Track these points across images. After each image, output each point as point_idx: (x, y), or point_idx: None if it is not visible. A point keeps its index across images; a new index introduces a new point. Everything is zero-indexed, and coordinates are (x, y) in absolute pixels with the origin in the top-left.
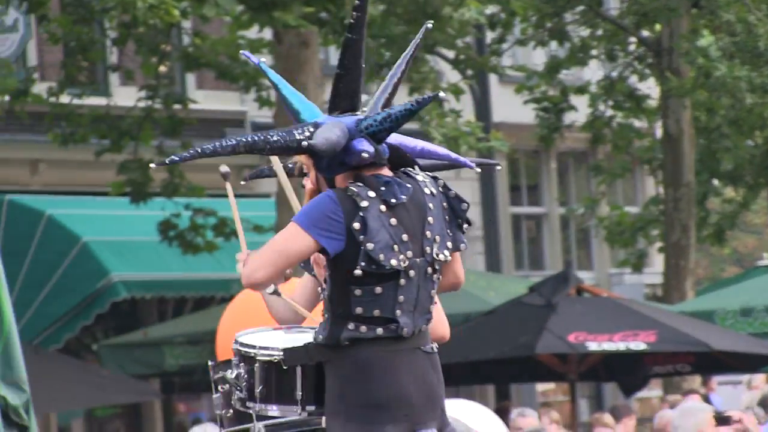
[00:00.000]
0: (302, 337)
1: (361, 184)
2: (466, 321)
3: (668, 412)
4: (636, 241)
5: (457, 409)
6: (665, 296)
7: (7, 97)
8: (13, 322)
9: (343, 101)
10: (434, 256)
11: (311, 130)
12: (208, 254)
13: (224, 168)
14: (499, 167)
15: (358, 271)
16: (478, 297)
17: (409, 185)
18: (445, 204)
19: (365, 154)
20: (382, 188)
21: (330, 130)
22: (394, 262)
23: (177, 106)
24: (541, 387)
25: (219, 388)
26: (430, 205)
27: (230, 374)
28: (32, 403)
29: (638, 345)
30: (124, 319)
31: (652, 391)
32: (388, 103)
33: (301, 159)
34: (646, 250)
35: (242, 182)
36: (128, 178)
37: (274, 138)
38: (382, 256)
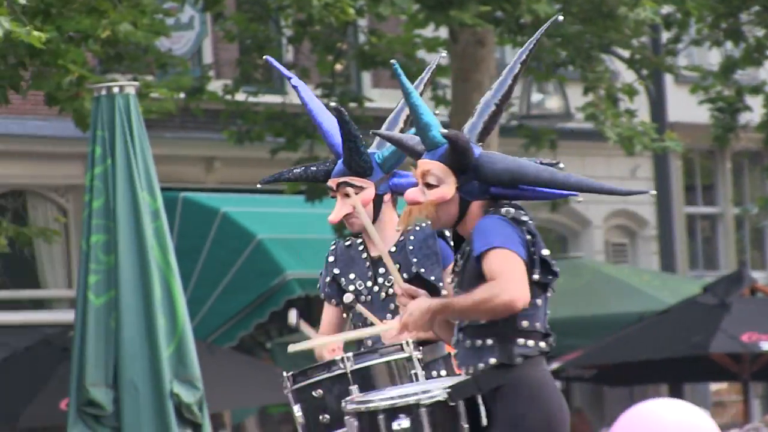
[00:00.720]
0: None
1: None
2: (640, 320)
3: None
4: None
5: (683, 411)
6: None
7: (182, 95)
8: (187, 321)
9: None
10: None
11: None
12: None
13: (292, 318)
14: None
15: (536, 276)
16: (652, 296)
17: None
18: None
19: (580, 199)
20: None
21: (506, 160)
22: (557, 269)
23: (353, 105)
24: (714, 386)
25: (299, 399)
26: None
27: (398, 426)
28: (206, 401)
29: None
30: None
31: None
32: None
33: (439, 171)
34: None
35: (258, 185)
36: None
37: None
38: (554, 263)
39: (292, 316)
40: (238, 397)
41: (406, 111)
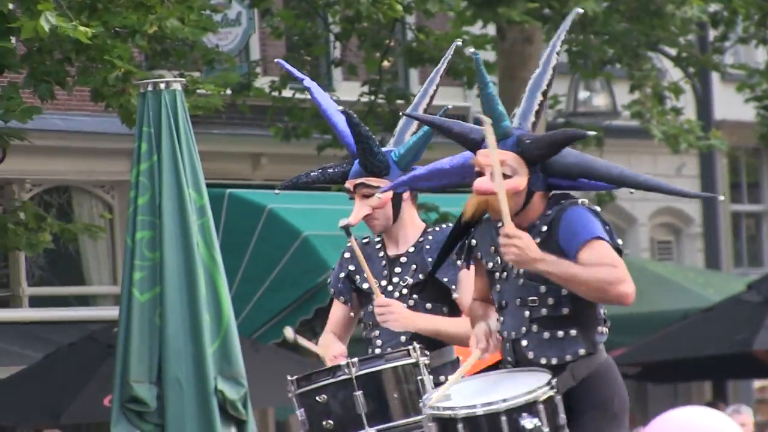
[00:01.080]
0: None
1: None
2: (684, 318)
3: None
4: None
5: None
6: None
7: (229, 91)
8: (231, 317)
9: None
10: None
11: None
12: None
13: (289, 334)
14: None
15: None
16: (697, 293)
17: None
18: None
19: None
20: None
21: (573, 153)
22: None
23: (400, 102)
24: (757, 383)
25: (303, 403)
26: None
27: (531, 425)
28: (250, 398)
29: None
30: None
31: None
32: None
33: (514, 162)
34: None
35: (275, 192)
36: None
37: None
38: (623, 252)
39: (289, 332)
40: (283, 395)
41: (423, 104)
